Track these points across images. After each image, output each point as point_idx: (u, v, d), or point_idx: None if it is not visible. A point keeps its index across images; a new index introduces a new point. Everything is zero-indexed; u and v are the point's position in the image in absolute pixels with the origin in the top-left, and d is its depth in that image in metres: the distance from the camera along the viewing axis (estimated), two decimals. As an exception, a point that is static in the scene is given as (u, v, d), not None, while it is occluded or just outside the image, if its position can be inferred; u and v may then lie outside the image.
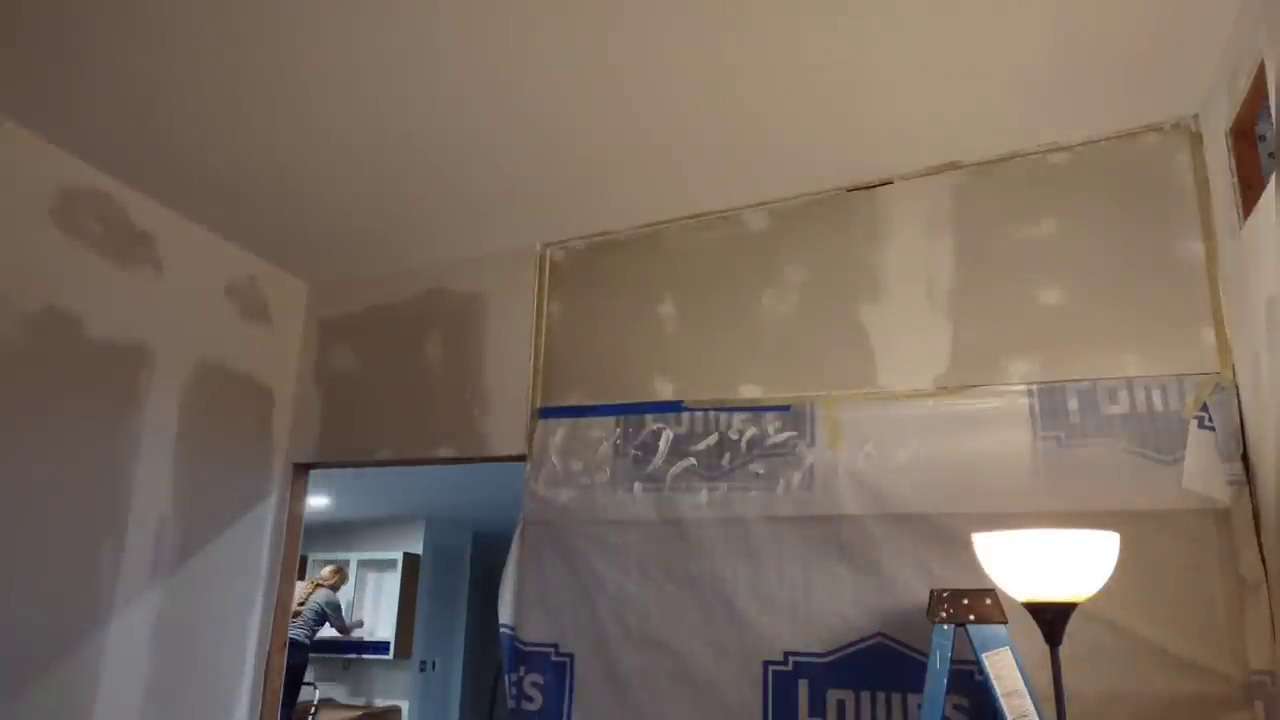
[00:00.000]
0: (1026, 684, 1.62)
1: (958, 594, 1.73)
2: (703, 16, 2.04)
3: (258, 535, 3.32)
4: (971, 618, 1.69)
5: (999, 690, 1.62)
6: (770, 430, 2.69)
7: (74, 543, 2.66)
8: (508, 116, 2.46)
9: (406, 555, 7.86)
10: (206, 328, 3.17)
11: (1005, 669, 1.63)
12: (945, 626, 1.72)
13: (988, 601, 1.70)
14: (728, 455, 2.73)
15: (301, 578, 6.75)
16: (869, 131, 2.51)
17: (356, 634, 7.63)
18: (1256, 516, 2.07)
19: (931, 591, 1.81)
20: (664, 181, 2.82)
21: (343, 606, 7.30)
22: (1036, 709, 1.60)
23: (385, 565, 7.92)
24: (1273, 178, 1.80)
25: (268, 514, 3.37)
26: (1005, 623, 1.67)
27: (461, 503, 7.12)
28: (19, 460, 2.51)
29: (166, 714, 2.90)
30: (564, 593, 2.82)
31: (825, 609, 2.48)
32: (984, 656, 1.66)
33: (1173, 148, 2.40)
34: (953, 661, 1.72)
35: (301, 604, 6.90)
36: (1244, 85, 1.93)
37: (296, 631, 6.76)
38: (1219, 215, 2.25)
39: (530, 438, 3.04)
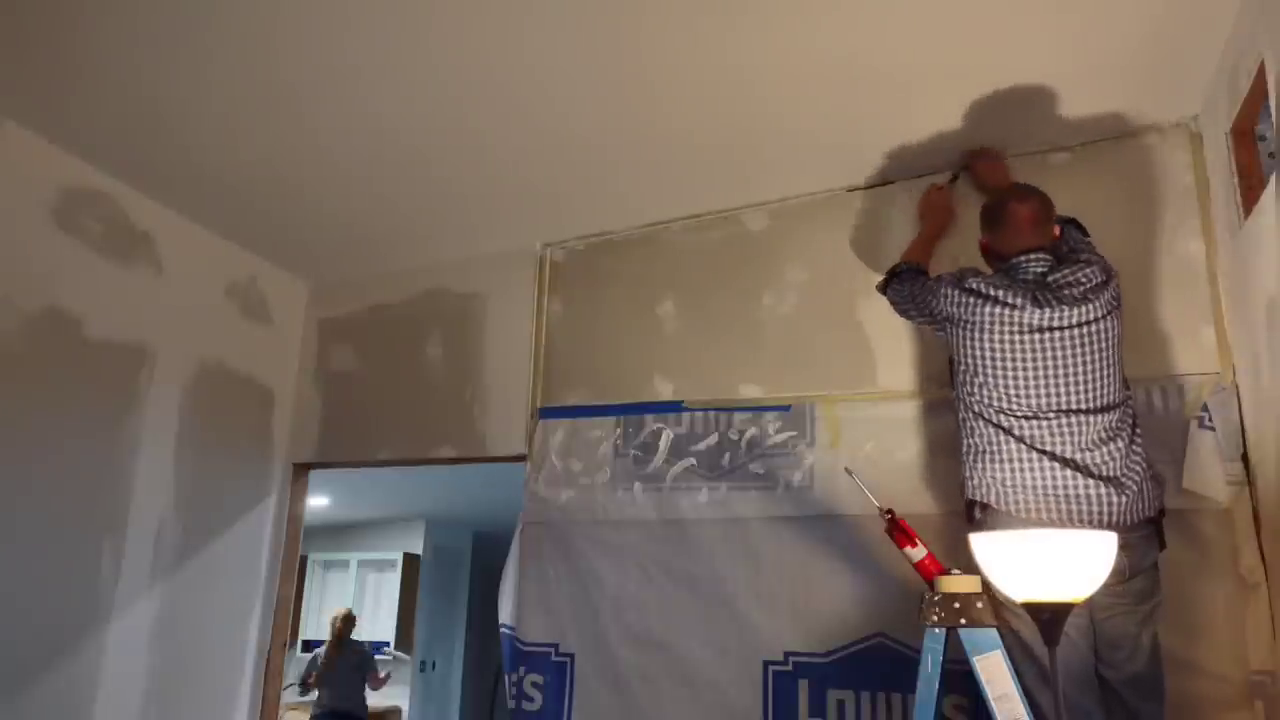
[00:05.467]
0: (1017, 687, 1.62)
1: (949, 597, 1.72)
2: (703, 16, 2.04)
3: (257, 535, 3.32)
4: (963, 621, 1.69)
5: (990, 694, 1.62)
6: (770, 430, 2.69)
7: (74, 543, 2.66)
8: (507, 116, 2.46)
9: (406, 555, 7.85)
10: (206, 328, 3.17)
11: (996, 672, 1.63)
12: (936, 630, 1.71)
13: (979, 605, 1.69)
14: (728, 455, 2.73)
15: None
16: (869, 131, 2.51)
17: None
18: (1256, 517, 2.07)
19: (922, 594, 1.81)
20: (664, 181, 2.82)
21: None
22: (1028, 711, 1.60)
23: (385, 565, 7.92)
24: (1273, 178, 1.80)
25: (268, 514, 3.37)
26: (996, 626, 1.67)
27: (461, 503, 7.12)
28: (19, 460, 2.51)
29: (166, 714, 2.90)
30: (564, 593, 2.82)
31: (825, 609, 2.48)
32: (975, 660, 1.65)
33: (1173, 148, 2.40)
34: (950, 662, 1.72)
35: (329, 669, 6.05)
36: (1244, 85, 1.93)
37: (344, 703, 6.01)
38: (1219, 215, 2.25)
39: (530, 438, 3.04)
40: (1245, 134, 2.04)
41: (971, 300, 2.03)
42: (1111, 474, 1.90)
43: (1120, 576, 1.84)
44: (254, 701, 3.23)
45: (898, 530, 1.89)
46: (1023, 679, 1.88)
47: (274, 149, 2.66)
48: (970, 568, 1.68)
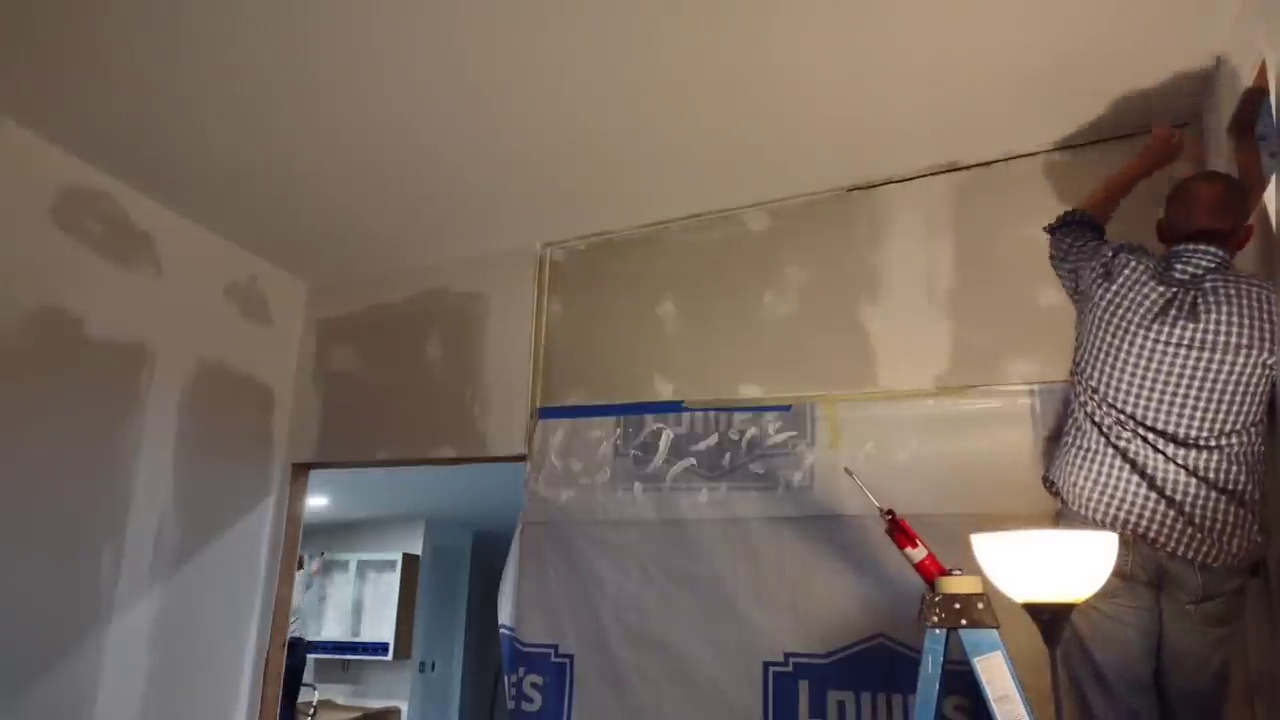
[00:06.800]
0: (1018, 688, 1.62)
1: (949, 597, 1.72)
2: (703, 17, 2.04)
3: (257, 535, 3.32)
4: (964, 622, 1.68)
5: (990, 695, 1.61)
6: (770, 430, 2.69)
7: (74, 543, 2.66)
8: (508, 117, 2.46)
9: (406, 555, 7.84)
10: (206, 328, 3.17)
11: (997, 673, 1.62)
12: (937, 631, 1.71)
13: (980, 605, 1.69)
14: (728, 455, 2.73)
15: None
16: (869, 131, 2.51)
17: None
18: (1256, 517, 2.06)
19: (922, 595, 1.80)
20: (664, 181, 2.82)
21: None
22: (1029, 712, 1.59)
23: (385, 565, 7.91)
24: (1273, 178, 1.80)
25: (267, 514, 3.37)
26: (997, 627, 1.67)
27: (461, 503, 7.11)
28: (19, 460, 2.51)
29: (166, 714, 2.90)
30: (564, 593, 2.82)
31: (825, 609, 2.48)
32: (975, 661, 1.65)
33: (1173, 148, 2.39)
34: (951, 663, 1.72)
35: None
36: (1244, 85, 1.93)
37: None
38: (1219, 215, 2.24)
39: (530, 438, 3.04)
40: (1245, 134, 2.04)
41: (1104, 277, 1.94)
42: (1187, 507, 1.78)
43: (1194, 596, 1.79)
44: (254, 701, 3.23)
45: (898, 531, 1.89)
46: (1077, 676, 1.86)
47: (274, 149, 2.66)
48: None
